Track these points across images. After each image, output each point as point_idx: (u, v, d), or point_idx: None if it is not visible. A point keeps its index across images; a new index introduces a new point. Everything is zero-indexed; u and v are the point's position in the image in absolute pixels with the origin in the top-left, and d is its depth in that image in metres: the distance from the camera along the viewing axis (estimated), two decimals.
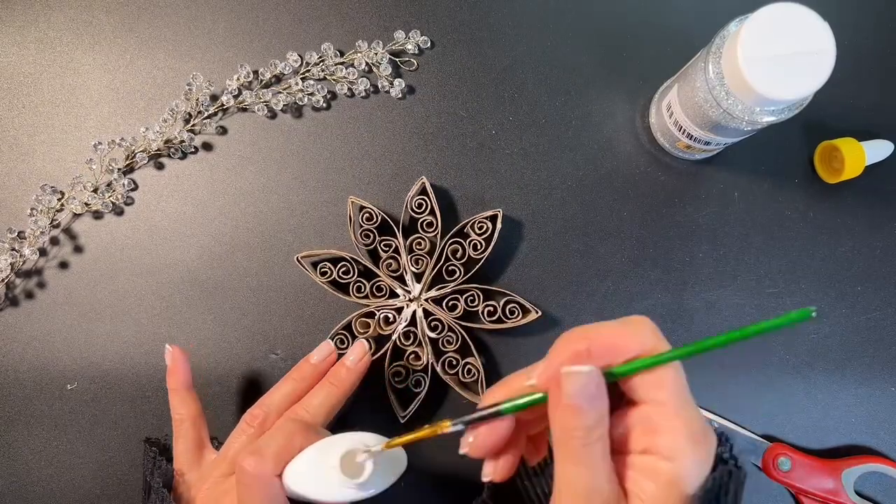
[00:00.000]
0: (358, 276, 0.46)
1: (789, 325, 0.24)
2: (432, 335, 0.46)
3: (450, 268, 0.46)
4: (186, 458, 0.41)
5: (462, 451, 0.29)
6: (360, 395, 0.45)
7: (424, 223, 0.46)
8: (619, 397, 0.28)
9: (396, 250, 0.46)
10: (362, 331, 0.46)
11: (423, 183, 0.46)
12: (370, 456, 0.33)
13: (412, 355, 0.46)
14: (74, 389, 0.48)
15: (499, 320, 0.45)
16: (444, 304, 0.46)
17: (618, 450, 0.28)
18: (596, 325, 0.27)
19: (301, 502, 0.36)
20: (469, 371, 0.45)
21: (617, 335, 0.27)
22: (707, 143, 0.44)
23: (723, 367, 0.47)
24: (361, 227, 0.46)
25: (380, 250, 0.46)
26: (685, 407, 0.26)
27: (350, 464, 0.33)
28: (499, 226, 0.45)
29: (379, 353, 0.46)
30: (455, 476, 0.47)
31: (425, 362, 0.46)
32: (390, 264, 0.46)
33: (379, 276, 0.46)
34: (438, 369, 0.45)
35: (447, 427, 0.29)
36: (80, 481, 0.47)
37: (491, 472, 0.30)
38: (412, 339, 0.46)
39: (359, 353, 0.43)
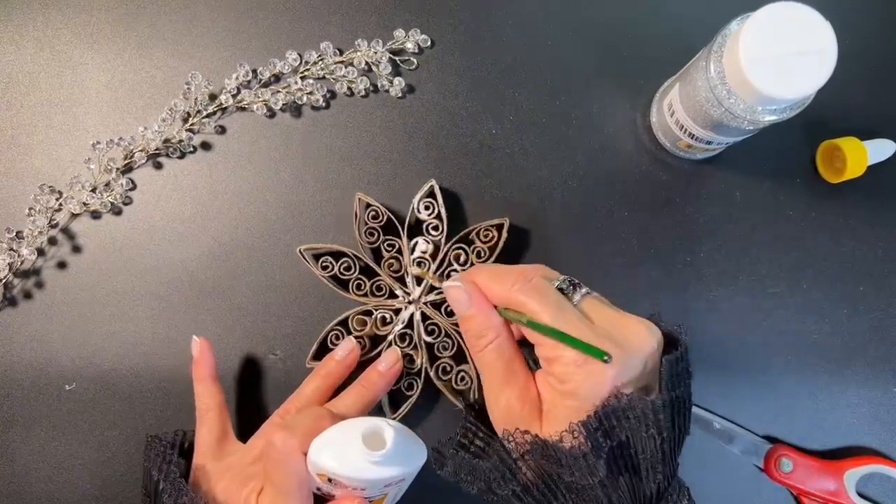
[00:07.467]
0: (359, 274, 0.46)
1: (586, 352, 0.31)
2: (428, 339, 0.46)
3: (451, 273, 0.46)
4: (210, 447, 0.42)
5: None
6: None
7: (430, 226, 0.46)
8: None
9: (399, 251, 0.46)
10: (359, 328, 0.46)
11: (432, 185, 0.46)
12: (392, 427, 0.34)
13: (406, 358, 0.46)
14: (73, 390, 0.48)
15: None
16: (442, 308, 0.46)
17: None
18: (488, 269, 0.37)
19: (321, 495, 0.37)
20: (462, 378, 0.45)
21: (487, 280, 0.35)
22: (708, 143, 0.44)
23: (724, 367, 0.47)
24: (367, 224, 0.46)
25: (383, 250, 0.46)
26: (558, 345, 0.32)
27: (372, 439, 0.34)
28: (504, 235, 0.45)
29: (373, 354, 0.46)
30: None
31: (419, 366, 0.46)
32: (392, 264, 0.46)
33: (380, 276, 0.46)
34: (432, 374, 0.45)
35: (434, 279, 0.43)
36: (79, 482, 0.47)
37: None
38: (408, 341, 0.46)
39: (391, 360, 0.44)
